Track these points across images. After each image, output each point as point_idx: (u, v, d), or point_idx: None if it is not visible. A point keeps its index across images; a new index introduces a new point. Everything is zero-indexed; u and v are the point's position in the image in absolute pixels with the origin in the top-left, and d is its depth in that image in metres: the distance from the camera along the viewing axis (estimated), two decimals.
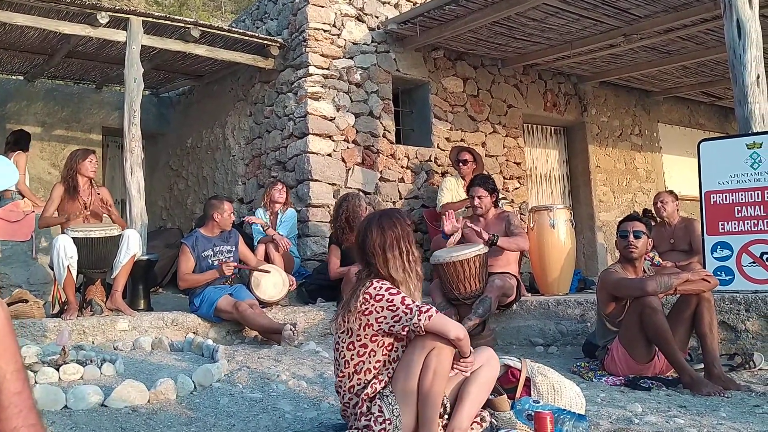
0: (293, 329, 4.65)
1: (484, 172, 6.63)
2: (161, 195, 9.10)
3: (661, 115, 9.64)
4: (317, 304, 5.69)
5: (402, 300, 2.38)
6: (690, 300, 3.70)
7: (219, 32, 6.49)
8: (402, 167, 7.01)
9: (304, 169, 6.48)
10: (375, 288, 2.42)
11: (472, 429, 2.50)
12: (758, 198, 4.40)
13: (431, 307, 2.37)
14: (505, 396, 2.69)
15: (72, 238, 4.72)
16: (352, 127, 6.73)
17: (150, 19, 6.03)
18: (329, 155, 6.56)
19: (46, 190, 7.26)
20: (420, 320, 2.32)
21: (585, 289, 6.35)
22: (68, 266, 4.64)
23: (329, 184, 6.54)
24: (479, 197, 5.28)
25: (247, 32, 6.74)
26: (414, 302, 2.39)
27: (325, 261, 6.31)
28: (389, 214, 2.59)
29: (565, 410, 2.64)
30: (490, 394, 2.63)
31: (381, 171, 6.86)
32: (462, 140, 7.35)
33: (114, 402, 2.96)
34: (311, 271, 6.23)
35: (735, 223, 4.46)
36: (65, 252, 4.63)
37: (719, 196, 4.55)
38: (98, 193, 5.34)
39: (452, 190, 6.47)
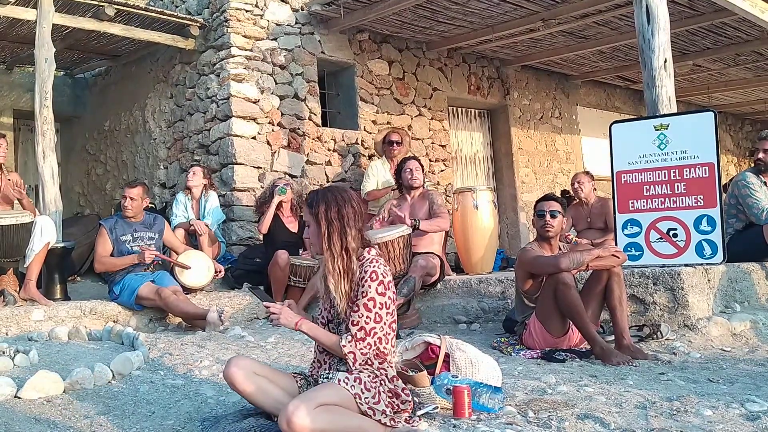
0: (220, 312, 4.60)
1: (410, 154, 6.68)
2: (78, 180, 8.75)
3: (580, 98, 9.95)
4: (243, 288, 5.63)
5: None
6: (601, 275, 3.87)
7: (135, 11, 6.27)
8: (329, 150, 6.99)
9: (227, 152, 6.38)
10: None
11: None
12: (665, 177, 4.63)
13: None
14: (425, 372, 2.76)
15: None
16: (277, 109, 6.65)
17: None
18: (254, 138, 6.48)
19: None
20: None
21: (508, 267, 6.55)
22: None
23: (254, 167, 6.46)
24: (414, 169, 5.37)
25: (166, 11, 6.54)
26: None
27: (251, 246, 6.26)
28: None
29: (482, 383, 2.74)
30: (411, 371, 2.70)
31: (307, 154, 6.82)
32: (388, 123, 7.39)
33: (28, 393, 2.87)
34: (237, 256, 6.16)
35: (644, 201, 4.68)
36: None
37: (629, 176, 4.76)
38: (9, 179, 5.12)
39: (377, 175, 6.42)
